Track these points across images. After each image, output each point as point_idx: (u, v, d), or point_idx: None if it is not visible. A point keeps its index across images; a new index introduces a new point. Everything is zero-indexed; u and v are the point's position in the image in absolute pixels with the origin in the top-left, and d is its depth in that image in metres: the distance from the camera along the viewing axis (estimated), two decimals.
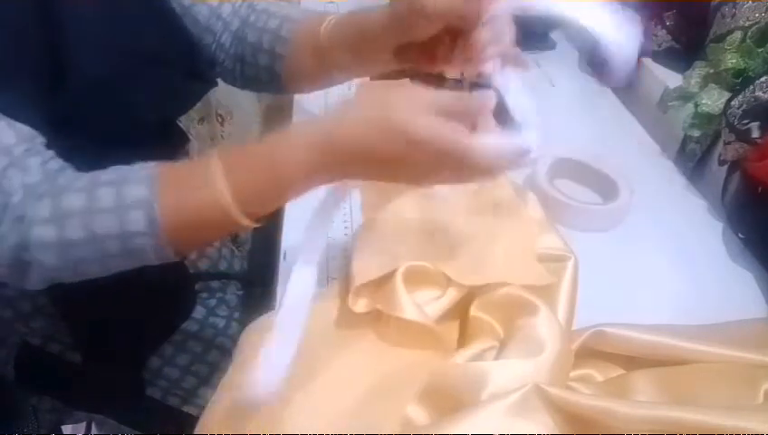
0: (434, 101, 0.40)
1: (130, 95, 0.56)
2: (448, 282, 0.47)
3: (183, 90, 0.63)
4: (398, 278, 0.45)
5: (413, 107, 0.39)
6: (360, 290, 0.46)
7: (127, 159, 0.48)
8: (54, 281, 0.45)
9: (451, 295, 0.47)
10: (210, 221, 0.44)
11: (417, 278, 0.47)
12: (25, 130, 0.45)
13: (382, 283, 0.46)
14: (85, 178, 0.45)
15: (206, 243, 0.49)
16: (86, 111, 0.51)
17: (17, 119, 0.45)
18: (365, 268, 0.47)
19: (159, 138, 0.63)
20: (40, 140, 0.46)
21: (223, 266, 0.72)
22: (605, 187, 0.65)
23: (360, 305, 0.46)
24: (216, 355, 0.67)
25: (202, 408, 0.44)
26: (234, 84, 0.71)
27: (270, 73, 0.63)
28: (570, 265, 0.49)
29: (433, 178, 0.43)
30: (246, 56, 0.64)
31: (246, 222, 0.43)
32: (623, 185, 0.64)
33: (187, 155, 0.71)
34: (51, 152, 0.47)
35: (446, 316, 0.47)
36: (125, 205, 0.42)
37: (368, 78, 0.90)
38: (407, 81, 0.90)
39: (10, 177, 0.43)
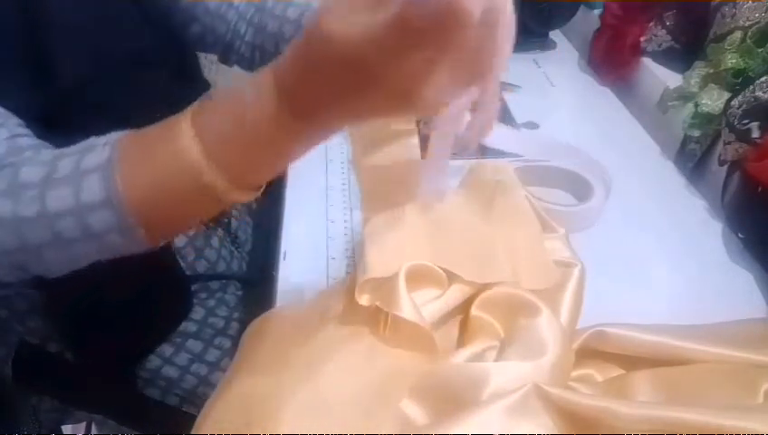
0: None
1: (115, 96, 0.55)
2: (451, 281, 0.47)
3: (172, 92, 0.63)
4: (401, 277, 0.45)
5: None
6: (365, 285, 0.46)
7: None
8: (22, 269, 0.40)
9: (454, 294, 0.47)
10: (180, 186, 0.35)
11: (419, 277, 0.47)
12: None
13: (386, 280, 0.46)
14: (55, 151, 0.39)
15: (184, 222, 0.40)
16: (72, 112, 0.51)
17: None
18: (377, 263, 0.46)
19: None
20: (15, 120, 0.43)
21: (221, 268, 0.71)
22: (579, 187, 0.65)
23: (364, 299, 0.46)
24: (215, 355, 0.67)
25: (201, 408, 0.44)
26: (251, 71, 0.69)
27: None
28: (576, 271, 0.49)
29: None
30: (267, 46, 0.64)
31: (223, 184, 0.35)
32: (598, 184, 0.63)
33: None
34: (26, 130, 0.43)
35: (447, 315, 0.47)
36: (80, 171, 0.36)
37: None
38: None
39: None
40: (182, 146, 0.34)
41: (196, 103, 0.36)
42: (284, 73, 0.33)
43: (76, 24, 0.51)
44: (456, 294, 0.47)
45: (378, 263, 0.46)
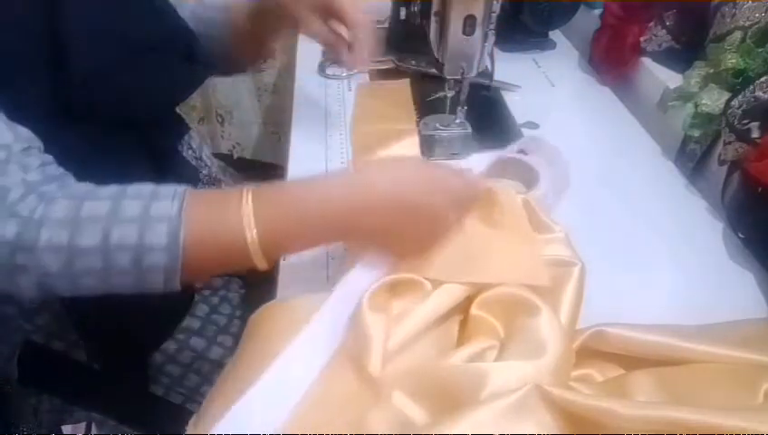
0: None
1: (130, 82, 0.56)
2: (436, 285, 0.47)
3: (182, 76, 0.64)
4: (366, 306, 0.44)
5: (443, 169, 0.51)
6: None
7: (129, 146, 0.48)
8: (47, 291, 0.43)
9: (441, 298, 0.46)
10: (230, 252, 0.43)
11: (402, 287, 0.47)
12: (24, 131, 0.45)
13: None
14: (111, 188, 0.44)
15: (216, 274, 0.49)
16: (87, 98, 0.52)
17: (18, 109, 0.45)
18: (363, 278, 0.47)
19: (160, 125, 0.64)
20: (38, 144, 0.46)
21: None
22: (528, 176, 0.65)
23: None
24: (218, 353, 0.67)
25: None
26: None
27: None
28: (576, 271, 0.49)
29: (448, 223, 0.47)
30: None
31: (262, 263, 0.43)
32: (544, 173, 0.64)
33: (188, 145, 0.71)
34: (49, 157, 0.46)
35: (442, 317, 0.47)
36: (150, 216, 0.41)
37: (367, 79, 0.90)
38: (406, 81, 0.91)
39: (9, 172, 0.42)
40: (241, 227, 0.42)
41: (253, 185, 0.44)
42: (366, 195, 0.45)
43: (90, 13, 0.52)
44: (442, 297, 0.46)
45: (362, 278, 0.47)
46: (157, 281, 0.42)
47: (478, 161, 0.64)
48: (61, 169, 0.46)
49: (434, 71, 0.74)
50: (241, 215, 0.42)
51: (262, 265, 0.43)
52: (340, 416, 0.41)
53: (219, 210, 0.43)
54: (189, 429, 0.42)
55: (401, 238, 0.47)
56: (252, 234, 0.41)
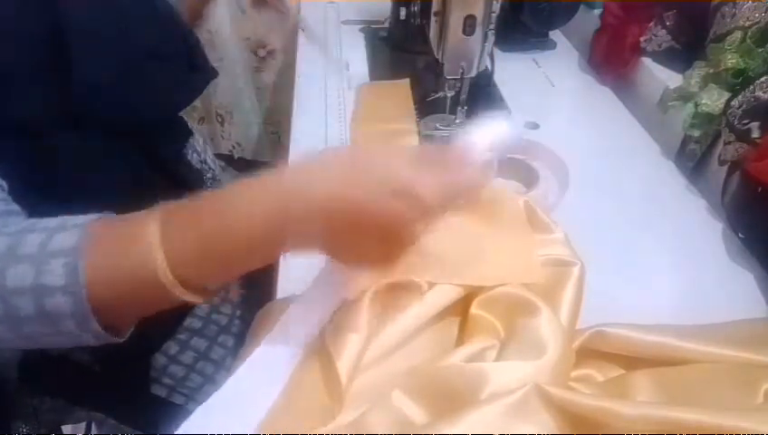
0: (412, 154, 0.39)
1: (133, 89, 0.57)
2: (431, 285, 0.47)
3: (184, 83, 0.64)
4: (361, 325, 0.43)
5: (393, 161, 0.37)
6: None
7: (132, 152, 0.48)
8: None
9: (437, 298, 0.47)
10: (145, 288, 0.36)
11: (397, 290, 0.47)
12: None
13: (346, 315, 0.45)
14: (24, 223, 0.38)
15: (138, 316, 0.40)
16: (90, 105, 0.52)
17: (21, 117, 0.45)
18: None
19: (164, 132, 0.64)
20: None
21: None
22: (527, 176, 0.66)
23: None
24: (219, 353, 0.68)
25: None
26: None
27: None
28: (576, 270, 0.49)
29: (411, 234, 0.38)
30: None
31: (181, 292, 0.36)
32: (544, 173, 0.64)
33: (193, 148, 0.72)
34: (2, 195, 0.42)
35: (438, 317, 0.47)
36: (46, 252, 0.35)
37: (368, 80, 0.90)
38: (406, 81, 0.91)
39: None
40: (149, 256, 0.35)
41: (165, 206, 0.37)
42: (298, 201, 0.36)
43: (93, 26, 0.52)
44: (437, 297, 0.47)
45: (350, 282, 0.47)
46: (69, 328, 0.36)
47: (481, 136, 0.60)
48: (8, 206, 0.42)
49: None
50: (146, 244, 0.35)
51: (180, 292, 0.36)
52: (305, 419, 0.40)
53: (123, 236, 0.37)
54: None
55: (354, 247, 0.39)
56: (162, 265, 0.35)
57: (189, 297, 0.36)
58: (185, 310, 0.67)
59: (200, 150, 0.73)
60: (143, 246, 0.35)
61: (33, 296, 0.35)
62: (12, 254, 0.35)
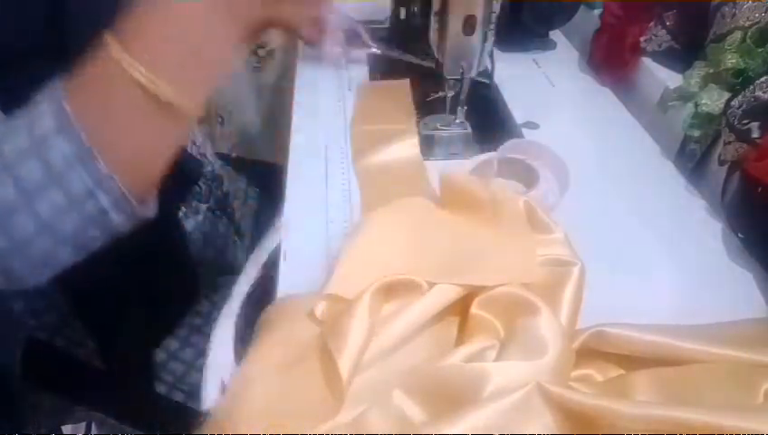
0: None
1: None
2: (431, 285, 0.47)
3: None
4: (360, 320, 0.43)
5: None
6: (327, 297, 0.47)
7: None
8: (7, 276, 0.39)
9: (437, 298, 0.47)
10: (114, 91, 0.38)
11: (394, 288, 0.47)
12: None
13: (344, 312, 0.45)
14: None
15: (140, 151, 0.41)
16: None
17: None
18: (343, 280, 0.47)
19: None
20: None
21: (229, 258, 0.72)
22: (527, 176, 0.65)
23: (319, 310, 0.46)
24: None
25: None
26: None
27: None
28: (576, 270, 0.49)
29: None
30: None
31: (148, 79, 0.37)
32: (544, 173, 0.64)
33: (192, 141, 0.72)
34: None
35: (438, 316, 0.47)
36: (34, 114, 0.38)
37: (368, 80, 0.90)
38: (406, 81, 0.91)
39: None
40: (113, 57, 0.38)
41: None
42: None
43: (92, 13, 0.52)
44: (436, 297, 0.47)
45: (345, 279, 0.47)
46: (83, 186, 0.37)
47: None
48: None
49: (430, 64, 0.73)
50: (108, 47, 0.39)
51: (143, 80, 0.37)
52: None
53: (92, 63, 0.40)
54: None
55: None
56: (115, 45, 0.38)
57: (163, 91, 0.38)
58: (185, 308, 0.67)
59: (199, 144, 0.73)
60: (103, 53, 0.39)
61: (36, 154, 0.36)
62: (2, 137, 0.37)
